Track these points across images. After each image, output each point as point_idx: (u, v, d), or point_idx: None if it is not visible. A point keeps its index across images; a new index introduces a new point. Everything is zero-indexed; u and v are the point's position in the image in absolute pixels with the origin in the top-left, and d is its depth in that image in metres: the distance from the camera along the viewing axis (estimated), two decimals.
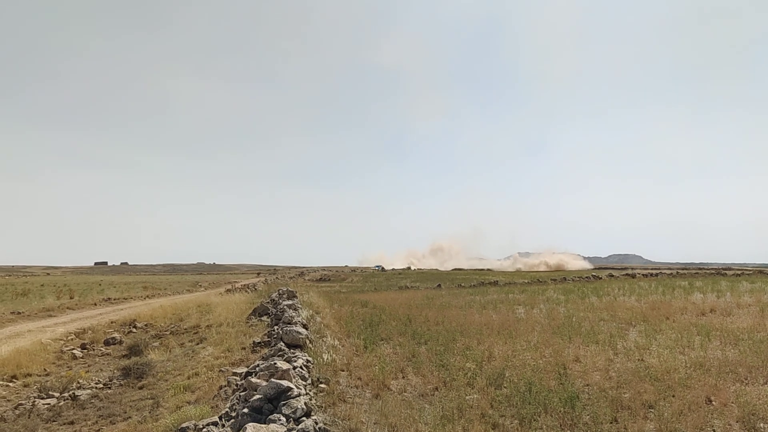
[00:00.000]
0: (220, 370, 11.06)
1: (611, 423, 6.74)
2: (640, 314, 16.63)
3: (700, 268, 76.24)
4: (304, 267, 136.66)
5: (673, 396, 7.68)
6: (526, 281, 44.06)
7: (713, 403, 7.40)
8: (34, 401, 10.97)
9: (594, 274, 54.29)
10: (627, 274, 50.81)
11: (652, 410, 7.15)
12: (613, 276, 48.78)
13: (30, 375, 13.84)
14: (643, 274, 50.40)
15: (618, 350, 11.16)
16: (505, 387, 8.44)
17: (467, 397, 7.88)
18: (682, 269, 71.87)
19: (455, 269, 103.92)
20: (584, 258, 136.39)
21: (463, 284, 41.81)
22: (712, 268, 71.21)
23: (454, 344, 12.34)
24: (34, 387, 12.52)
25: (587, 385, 8.56)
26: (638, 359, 10.23)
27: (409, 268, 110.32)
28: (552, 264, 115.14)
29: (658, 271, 58.24)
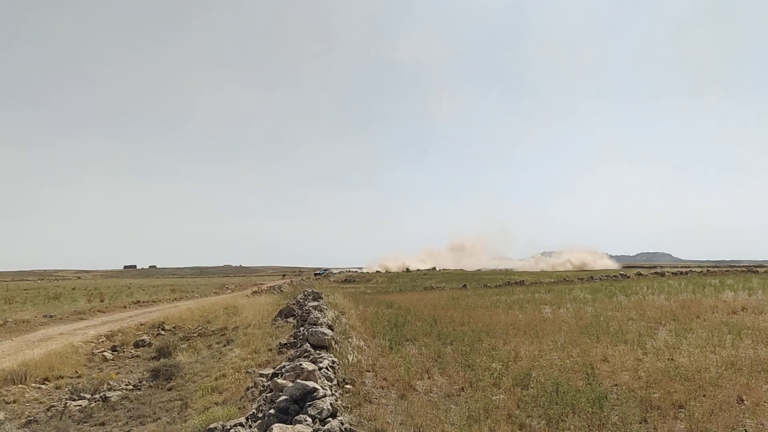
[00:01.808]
0: (247, 372, 11.14)
1: (640, 423, 6.65)
2: (670, 313, 16.36)
3: (731, 266, 74.89)
4: (328, 268, 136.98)
5: (704, 396, 7.55)
6: (553, 280, 43.67)
7: (745, 402, 7.26)
8: (66, 403, 11.17)
9: (622, 272, 53.66)
10: (656, 273, 50.13)
11: (683, 410, 7.03)
12: (641, 275, 48.15)
13: (62, 377, 14.09)
14: (672, 273, 49.67)
15: (647, 350, 10.99)
16: (531, 387, 8.36)
17: (493, 398, 7.82)
18: (713, 267, 70.67)
19: (477, 270, 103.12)
20: (612, 257, 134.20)
21: (488, 284, 41.62)
22: (743, 266, 69.92)
23: (480, 344, 12.28)
24: (66, 389, 12.74)
25: (615, 385, 8.45)
26: (668, 359, 10.06)
27: (434, 268, 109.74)
28: (576, 263, 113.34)
29: (688, 269, 57.35)
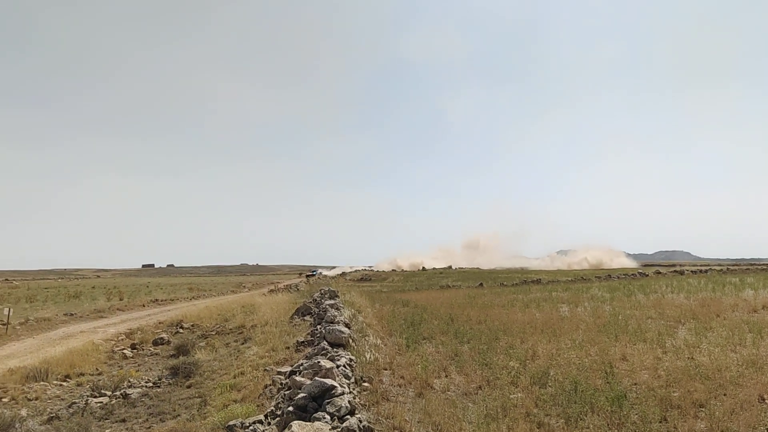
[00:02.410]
0: (265, 370, 11.21)
1: (660, 422, 6.59)
2: (690, 312, 16.19)
3: (751, 264, 73.88)
4: (343, 266, 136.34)
5: (725, 395, 7.47)
6: (570, 279, 43.42)
7: (766, 401, 7.17)
8: (88, 400, 11.32)
9: (640, 271, 53.16)
10: (675, 271, 49.63)
11: (703, 409, 6.96)
12: (660, 273, 47.68)
13: (83, 374, 14.28)
14: (691, 271, 49.13)
15: (667, 348, 10.89)
16: (549, 386, 8.33)
17: (511, 396, 7.81)
18: (733, 265, 69.78)
19: (493, 269, 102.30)
20: (629, 255, 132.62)
21: (505, 283, 41.45)
22: (763, 264, 68.82)
23: (497, 343, 12.25)
24: (87, 386, 12.92)
25: (635, 384, 8.39)
26: (688, 357, 9.96)
27: (450, 267, 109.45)
28: (593, 262, 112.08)
29: (708, 268, 56.65)
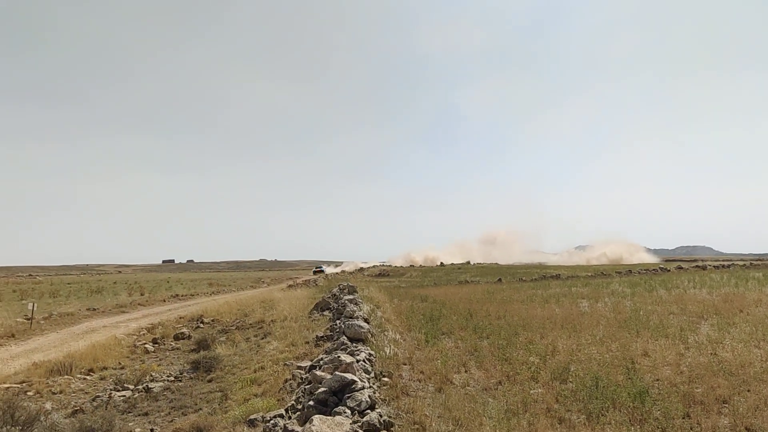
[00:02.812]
0: (285, 364, 11.27)
1: (683, 418, 6.52)
2: (712, 307, 16.00)
3: None
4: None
5: (749, 391, 7.38)
6: (590, 274, 43.06)
7: None
8: (111, 393, 11.46)
9: (662, 266, 52.61)
10: (697, 266, 49.01)
11: (726, 405, 6.88)
12: (681, 268, 47.15)
13: (106, 368, 14.47)
14: (714, 266, 48.50)
15: (689, 344, 10.77)
16: (570, 381, 8.28)
17: (531, 392, 7.78)
18: (756, 260, 68.71)
19: (511, 264, 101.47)
20: (651, 250, 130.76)
21: (523, 278, 41.24)
22: None
23: (516, 338, 12.19)
24: (110, 380, 13.08)
25: (657, 379, 8.30)
26: (711, 353, 9.85)
27: (468, 262, 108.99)
28: (612, 257, 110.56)
29: (730, 263, 55.94)
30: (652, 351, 10.24)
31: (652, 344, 10.89)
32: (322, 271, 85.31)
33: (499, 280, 40.56)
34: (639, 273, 42.49)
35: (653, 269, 46.32)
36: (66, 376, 13.37)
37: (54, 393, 12.24)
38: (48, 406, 10.63)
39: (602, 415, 6.58)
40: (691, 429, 6.19)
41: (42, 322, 23.54)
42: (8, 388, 12.27)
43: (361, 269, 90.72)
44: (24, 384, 12.72)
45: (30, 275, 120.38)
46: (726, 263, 55.03)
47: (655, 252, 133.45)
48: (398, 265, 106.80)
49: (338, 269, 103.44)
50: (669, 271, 43.97)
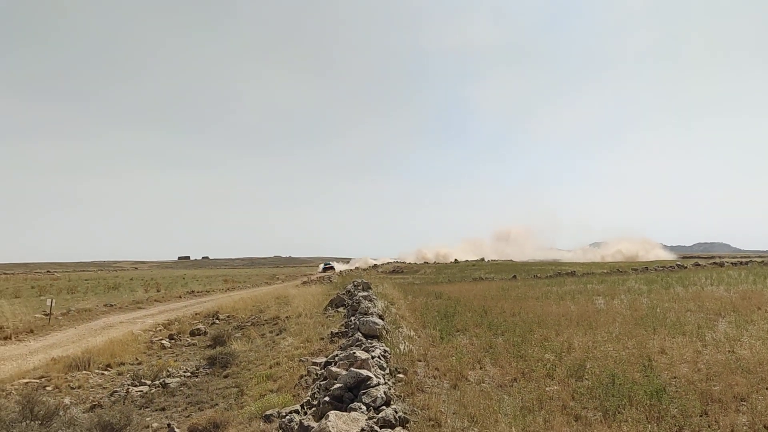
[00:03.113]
0: (300, 360, 11.32)
1: (701, 416, 6.46)
2: (730, 304, 15.83)
3: None
4: (373, 258, 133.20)
5: (767, 389, 7.30)
6: (605, 271, 42.82)
7: None
8: (128, 388, 11.58)
9: (678, 263, 52.12)
10: (714, 263, 48.51)
11: (744, 403, 6.80)
12: (699, 265, 46.70)
13: (123, 364, 14.62)
14: (731, 263, 47.99)
15: (706, 342, 10.67)
16: (586, 379, 8.23)
17: (547, 389, 7.75)
18: None
19: (526, 261, 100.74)
20: (667, 247, 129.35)
21: (538, 275, 41.08)
22: None
23: (531, 335, 12.15)
24: (128, 375, 13.22)
25: (674, 377, 8.23)
26: (728, 351, 9.74)
27: (482, 259, 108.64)
28: (628, 254, 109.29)
29: (748, 260, 55.32)
30: (669, 348, 10.16)
31: (669, 341, 10.80)
32: (332, 268, 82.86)
33: (514, 276, 40.44)
34: (655, 270, 42.18)
35: (670, 266, 45.93)
36: (84, 372, 13.53)
37: (72, 388, 12.40)
38: (67, 400, 10.77)
39: (619, 413, 6.53)
40: (709, 427, 6.13)
41: (60, 317, 23.81)
42: (27, 383, 12.44)
43: (375, 266, 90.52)
44: (43, 379, 12.89)
45: (48, 272, 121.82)
46: (744, 260, 54.45)
47: (672, 249, 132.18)
48: (409, 261, 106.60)
49: (349, 266, 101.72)
50: (686, 268, 43.58)
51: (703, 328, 12.11)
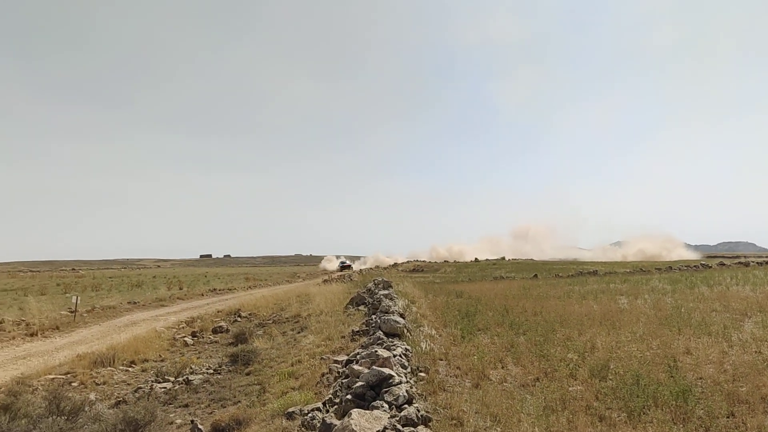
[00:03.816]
0: (322, 358, 11.36)
1: (728, 417, 6.37)
2: (756, 304, 15.56)
3: None
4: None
5: None
6: (628, 270, 42.32)
7: None
8: (152, 385, 11.73)
9: (703, 262, 51.36)
10: (740, 263, 47.69)
11: None
12: (724, 264, 45.94)
13: (147, 360, 14.81)
14: (757, 262, 47.13)
15: (733, 342, 10.50)
16: (610, 379, 8.15)
17: (570, 389, 7.68)
18: None
19: (545, 261, 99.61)
20: (691, 247, 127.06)
21: (560, 274, 40.75)
22: None
23: (553, 335, 12.05)
24: (151, 372, 13.39)
25: (700, 378, 8.12)
26: (755, 351, 9.58)
27: (503, 258, 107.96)
28: (650, 253, 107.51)
29: None
30: (694, 349, 10.01)
31: (694, 342, 10.65)
32: (349, 267, 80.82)
33: (535, 276, 40.14)
34: (679, 269, 41.60)
35: (694, 266, 45.27)
36: (109, 368, 13.73)
37: (98, 384, 12.59)
38: (92, 396, 10.94)
39: (644, 414, 6.47)
40: (736, 428, 6.04)
41: (85, 314, 24.18)
42: (54, 378, 12.66)
43: (395, 264, 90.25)
44: (69, 375, 13.11)
45: (73, 269, 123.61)
46: None
47: (696, 248, 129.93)
48: (423, 259, 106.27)
49: (366, 265, 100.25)
50: (711, 267, 42.91)
51: (729, 328, 11.92)
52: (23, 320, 21.25)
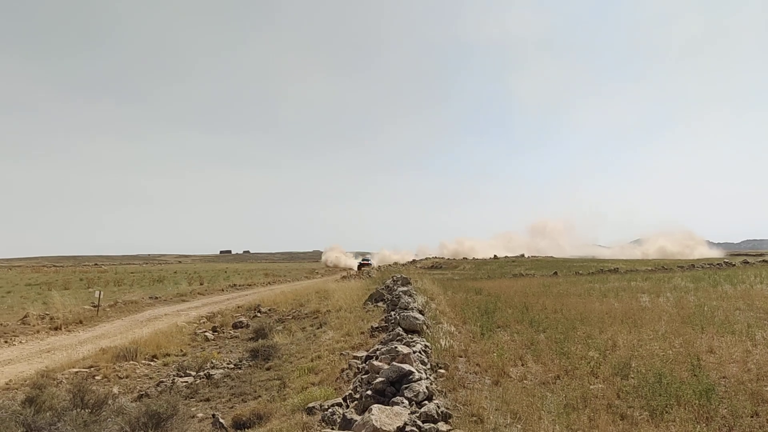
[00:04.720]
0: (341, 354, 11.40)
1: (752, 417, 6.28)
2: None
3: None
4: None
5: None
6: (650, 268, 41.88)
7: None
8: (174, 379, 11.86)
9: (726, 260, 50.66)
10: (764, 261, 46.97)
11: None
12: (747, 263, 45.28)
13: (168, 355, 14.96)
14: None
15: (756, 341, 10.35)
16: (632, 377, 8.08)
17: (591, 387, 7.63)
18: None
19: (564, 258, 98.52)
20: (714, 244, 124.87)
21: (580, 272, 40.44)
22: None
23: (574, 332, 11.97)
24: (173, 366, 13.53)
25: (723, 377, 8.02)
26: None
27: (522, 255, 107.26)
28: (671, 251, 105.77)
29: None
30: (717, 348, 9.89)
31: (717, 341, 10.51)
32: (369, 264, 77.91)
33: (555, 273, 39.88)
34: (702, 267, 41.07)
35: (717, 263, 44.68)
36: (131, 362, 13.91)
37: (120, 378, 12.76)
38: (115, 390, 11.10)
39: (666, 412, 6.40)
40: (760, 428, 5.97)
41: (108, 309, 24.49)
42: (77, 372, 12.85)
43: (414, 261, 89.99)
44: (92, 368, 13.29)
45: (95, 264, 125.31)
46: None
47: (719, 246, 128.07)
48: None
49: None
50: (734, 265, 42.29)
51: (753, 327, 11.75)
52: (47, 314, 21.58)
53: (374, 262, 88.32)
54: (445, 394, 7.13)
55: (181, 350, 15.71)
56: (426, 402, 6.02)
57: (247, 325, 19.63)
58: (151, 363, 14.22)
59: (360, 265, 78.69)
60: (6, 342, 17.07)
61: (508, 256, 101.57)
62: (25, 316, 20.81)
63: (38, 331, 19.01)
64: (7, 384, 12.06)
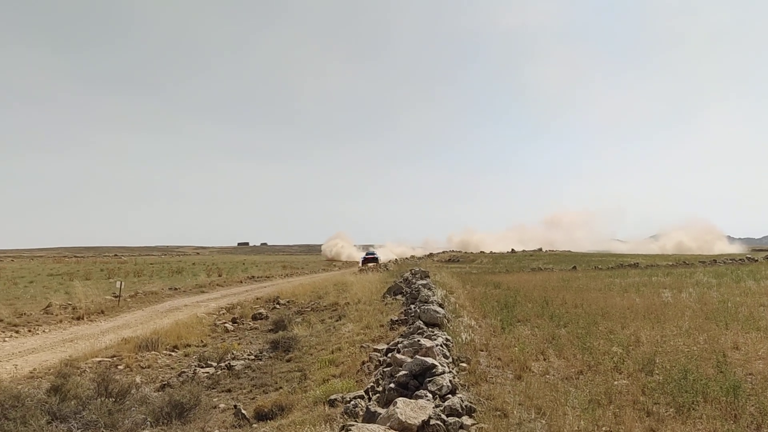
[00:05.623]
0: (362, 346, 11.41)
1: None
2: None
3: None
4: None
5: None
6: (671, 263, 41.43)
7: None
8: (195, 370, 11.95)
9: (749, 256, 50.00)
10: None
11: None
12: None
13: (189, 345, 15.09)
14: None
15: None
16: (656, 373, 7.98)
17: (615, 383, 7.55)
18: None
19: (583, 253, 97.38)
20: (735, 239, 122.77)
21: (599, 266, 40.13)
22: None
23: (595, 327, 11.86)
24: (194, 357, 13.64)
25: (749, 374, 7.90)
26: None
27: (540, 249, 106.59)
28: (690, 246, 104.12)
29: None
30: (742, 344, 9.75)
31: (742, 337, 10.37)
32: (375, 259, 68.37)
33: (574, 267, 39.60)
34: (724, 263, 40.57)
35: (740, 259, 44.12)
36: (153, 352, 14.04)
37: (142, 367, 12.89)
38: (138, 379, 11.20)
39: (693, 409, 6.31)
40: None
41: (128, 299, 24.78)
42: (100, 361, 13.00)
43: (431, 254, 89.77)
44: (114, 358, 13.44)
45: (116, 255, 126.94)
46: None
47: (741, 241, 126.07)
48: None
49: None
50: (757, 261, 41.73)
51: None
52: (70, 304, 21.88)
53: (381, 257, 77.34)
54: (468, 388, 7.10)
55: (202, 341, 15.83)
56: (449, 396, 6.01)
57: (267, 317, 19.73)
58: (172, 353, 14.34)
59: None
60: (30, 331, 17.34)
61: (525, 250, 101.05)
62: (48, 306, 21.12)
63: (61, 321, 19.28)
64: (31, 372, 12.24)
